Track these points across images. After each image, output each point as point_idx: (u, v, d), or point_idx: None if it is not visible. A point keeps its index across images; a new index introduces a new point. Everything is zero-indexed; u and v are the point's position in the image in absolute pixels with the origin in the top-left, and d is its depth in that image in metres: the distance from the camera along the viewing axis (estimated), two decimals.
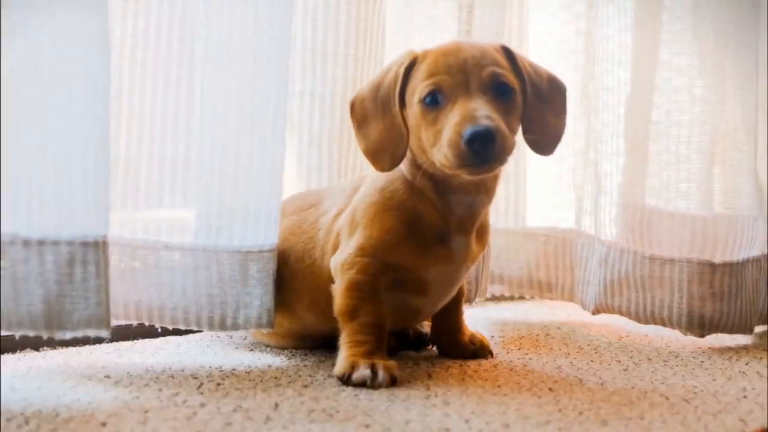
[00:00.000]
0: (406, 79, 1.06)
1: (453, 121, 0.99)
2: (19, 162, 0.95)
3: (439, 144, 1.00)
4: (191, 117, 1.13)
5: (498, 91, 1.02)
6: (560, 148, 1.52)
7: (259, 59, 1.11)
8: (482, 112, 0.98)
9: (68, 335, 0.97)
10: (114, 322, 1.18)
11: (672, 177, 1.40)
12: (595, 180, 1.44)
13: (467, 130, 0.97)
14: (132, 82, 1.12)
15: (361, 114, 1.09)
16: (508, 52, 1.08)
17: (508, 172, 1.55)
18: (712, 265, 1.35)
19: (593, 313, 1.44)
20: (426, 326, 1.27)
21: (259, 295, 1.13)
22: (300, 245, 1.17)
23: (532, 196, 1.60)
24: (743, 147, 1.42)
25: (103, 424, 0.85)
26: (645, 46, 1.41)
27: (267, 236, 1.13)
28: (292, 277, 1.16)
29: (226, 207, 1.12)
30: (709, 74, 1.39)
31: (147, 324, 1.14)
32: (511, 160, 1.51)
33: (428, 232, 1.08)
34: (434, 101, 1.02)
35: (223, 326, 1.13)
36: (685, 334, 1.37)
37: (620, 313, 1.41)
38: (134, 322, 1.14)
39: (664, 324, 1.37)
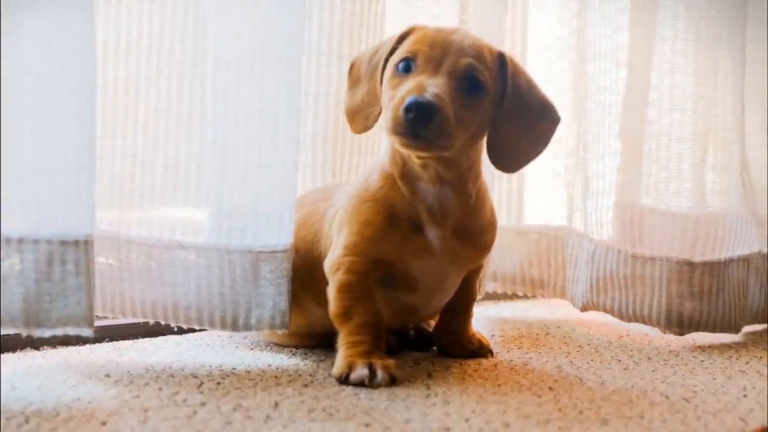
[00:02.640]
0: (397, 48, 1.07)
1: (404, 88, 1.00)
2: (2, 160, 0.95)
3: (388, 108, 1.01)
4: (204, 117, 1.13)
5: (467, 84, 1.02)
6: (555, 146, 1.54)
7: (270, 59, 1.11)
8: (433, 88, 0.98)
9: (47, 333, 0.97)
10: (130, 320, 1.20)
11: (661, 176, 1.41)
12: (584, 178, 1.45)
13: (409, 98, 0.97)
14: (148, 82, 1.13)
15: (356, 74, 1.12)
16: (501, 59, 1.07)
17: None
18: (691, 264, 1.35)
19: (582, 311, 1.45)
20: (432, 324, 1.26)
21: (271, 296, 1.13)
22: (309, 237, 1.17)
23: (529, 194, 1.60)
24: (729, 146, 1.43)
25: (104, 423, 0.85)
26: (640, 46, 1.41)
27: (280, 236, 1.13)
28: (301, 268, 1.16)
29: (238, 207, 1.13)
30: (700, 74, 1.40)
31: (162, 323, 1.14)
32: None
33: (403, 222, 1.08)
34: (406, 68, 1.03)
35: (235, 326, 1.13)
36: (664, 333, 1.37)
37: (605, 310, 1.41)
38: (151, 321, 1.15)
39: (644, 322, 1.38)
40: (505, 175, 1.54)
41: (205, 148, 1.13)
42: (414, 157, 1.06)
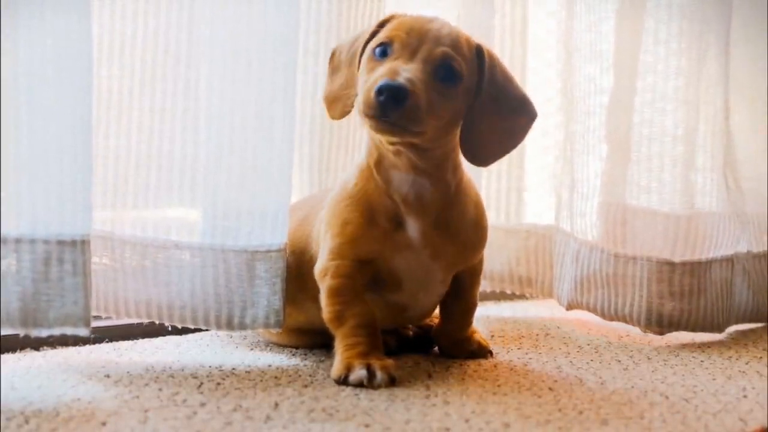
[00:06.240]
0: (376, 34, 1.07)
1: (379, 72, 1.00)
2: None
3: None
4: (198, 117, 1.13)
5: (442, 72, 1.02)
6: (550, 147, 1.54)
7: (265, 59, 1.11)
8: (406, 73, 0.98)
9: (44, 333, 0.97)
10: (130, 320, 1.20)
11: (644, 176, 1.42)
12: (571, 178, 1.45)
13: (381, 81, 0.97)
14: (143, 82, 1.13)
15: (336, 62, 1.12)
16: (479, 51, 1.07)
17: (499, 169, 1.55)
18: (672, 264, 1.36)
19: (567, 309, 1.46)
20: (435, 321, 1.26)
21: (266, 295, 1.13)
22: (303, 239, 1.17)
23: (521, 193, 1.61)
24: (714, 147, 1.43)
25: (103, 424, 0.85)
26: (627, 48, 1.42)
27: (274, 236, 1.13)
28: (298, 269, 1.16)
29: (233, 207, 1.13)
30: (685, 74, 1.40)
31: (157, 322, 1.14)
32: (505, 158, 1.52)
33: (382, 217, 1.08)
34: (383, 53, 1.03)
35: (230, 325, 1.13)
36: (645, 332, 1.39)
37: (588, 309, 1.42)
38: (145, 320, 1.15)
39: (626, 321, 1.39)
40: (494, 174, 1.55)
41: (199, 148, 1.13)
42: (386, 143, 1.05)
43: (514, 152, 1.51)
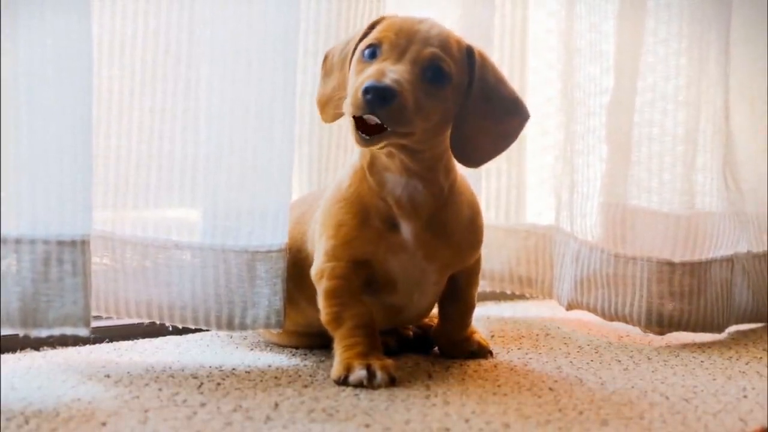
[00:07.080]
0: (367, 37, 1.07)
1: (366, 73, 1.00)
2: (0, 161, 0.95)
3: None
4: (199, 117, 1.14)
5: (431, 73, 1.02)
6: (550, 146, 1.55)
7: (265, 59, 1.12)
8: (393, 74, 0.98)
9: (44, 333, 0.97)
10: (130, 321, 1.20)
11: (645, 177, 1.42)
12: (570, 177, 1.45)
13: (367, 82, 0.97)
14: (143, 82, 1.13)
15: (328, 66, 1.12)
16: (469, 51, 1.07)
17: (499, 168, 1.55)
18: (671, 264, 1.37)
19: (567, 309, 1.46)
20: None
21: (266, 295, 1.13)
22: (299, 236, 1.17)
23: (520, 193, 1.60)
24: (714, 147, 1.44)
25: (104, 424, 0.85)
26: (628, 49, 1.42)
27: (275, 236, 1.13)
28: (294, 268, 1.16)
29: (233, 207, 1.13)
30: (686, 75, 1.41)
31: (157, 322, 1.14)
32: (505, 158, 1.52)
33: (376, 218, 1.08)
34: (372, 55, 1.03)
35: (230, 326, 1.14)
36: (645, 332, 1.39)
37: (588, 309, 1.43)
38: (146, 321, 1.15)
39: (626, 321, 1.39)
40: (494, 173, 1.55)
41: (199, 148, 1.14)
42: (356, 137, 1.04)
43: (515, 152, 1.53)
